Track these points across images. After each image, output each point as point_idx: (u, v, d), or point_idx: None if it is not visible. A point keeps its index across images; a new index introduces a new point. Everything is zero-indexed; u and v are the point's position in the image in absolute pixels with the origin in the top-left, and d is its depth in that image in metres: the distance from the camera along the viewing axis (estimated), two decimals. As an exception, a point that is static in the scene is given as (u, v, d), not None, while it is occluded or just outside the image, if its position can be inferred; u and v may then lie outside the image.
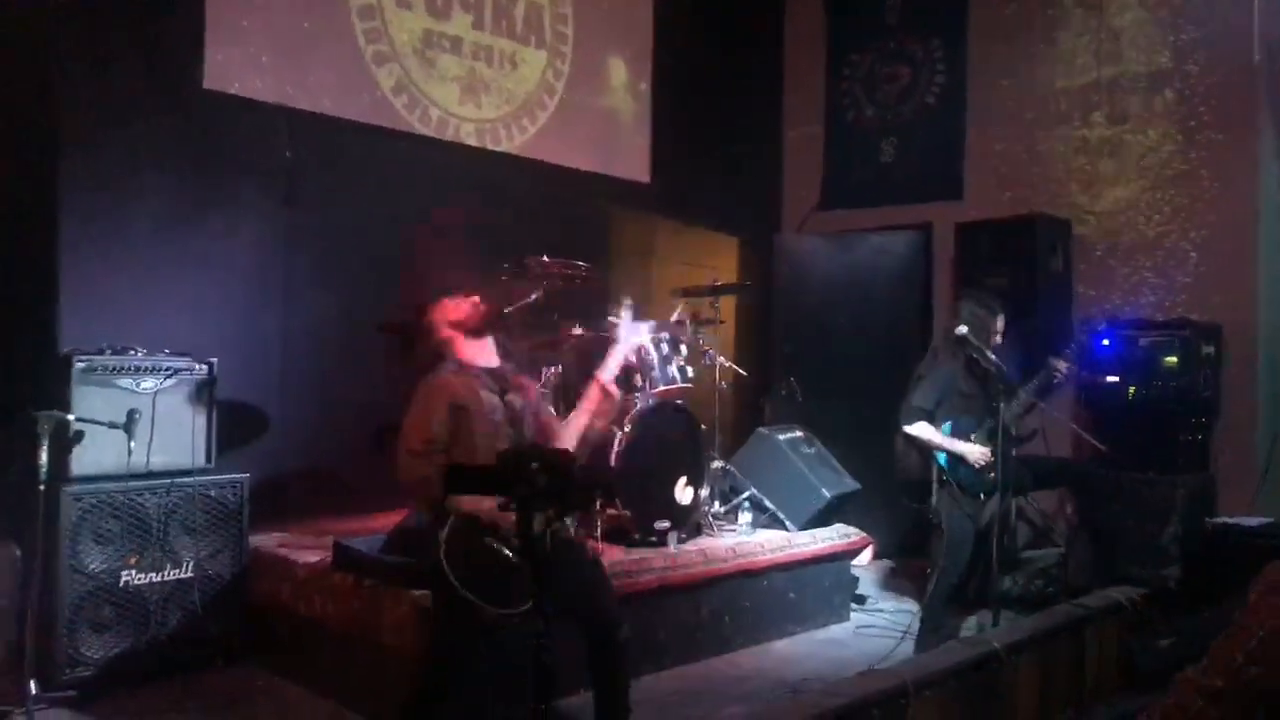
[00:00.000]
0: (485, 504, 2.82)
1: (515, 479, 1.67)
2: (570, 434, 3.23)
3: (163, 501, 3.88)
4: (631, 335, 3.40)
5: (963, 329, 4.38)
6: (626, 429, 4.43)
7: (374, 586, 3.74)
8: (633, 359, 3.56)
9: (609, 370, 3.29)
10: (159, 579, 3.87)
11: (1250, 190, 5.61)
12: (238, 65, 4.82)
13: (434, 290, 3.45)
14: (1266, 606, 1.54)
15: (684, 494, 4.65)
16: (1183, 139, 5.82)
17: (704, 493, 4.84)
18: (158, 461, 3.90)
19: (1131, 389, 5.38)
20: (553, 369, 4.62)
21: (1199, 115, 5.77)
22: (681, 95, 6.93)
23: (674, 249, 7.05)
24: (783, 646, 4.77)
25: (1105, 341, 5.49)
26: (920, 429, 4.45)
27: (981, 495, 4.48)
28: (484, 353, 3.32)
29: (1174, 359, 5.28)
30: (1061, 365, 4.66)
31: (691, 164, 6.94)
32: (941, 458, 4.47)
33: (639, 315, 3.61)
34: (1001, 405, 4.30)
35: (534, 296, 4.32)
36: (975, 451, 4.42)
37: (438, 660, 3.13)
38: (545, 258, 4.47)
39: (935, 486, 4.50)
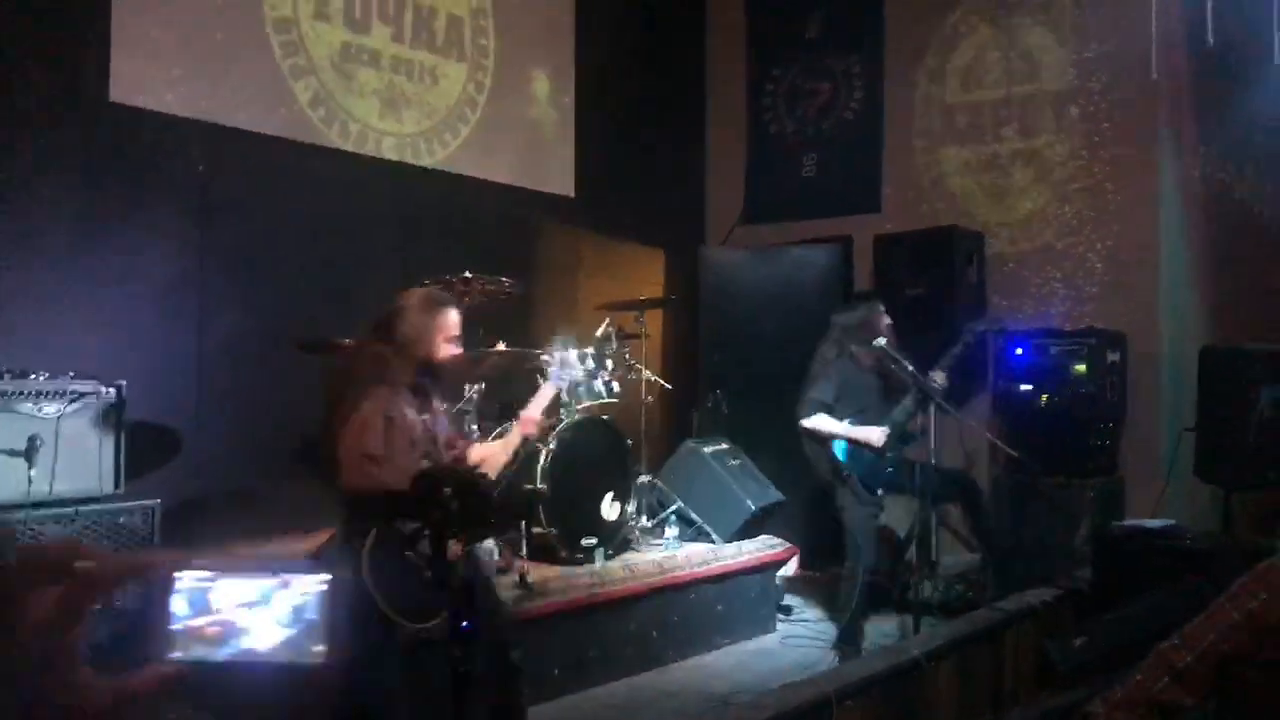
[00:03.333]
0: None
1: (428, 504, 1.66)
2: (486, 467, 3.19)
3: (66, 530, 3.73)
4: (563, 374, 3.37)
5: (881, 341, 4.47)
6: (551, 445, 4.41)
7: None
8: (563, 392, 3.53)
9: (535, 409, 3.27)
10: (65, 611, 3.72)
11: (1151, 202, 5.84)
12: (147, 77, 4.69)
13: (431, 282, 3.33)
14: (1247, 593, 1.69)
15: (611, 509, 4.65)
16: (1087, 154, 6.04)
17: (630, 507, 4.84)
18: (62, 489, 3.75)
19: (1044, 396, 5.55)
20: (475, 387, 4.57)
21: (1102, 130, 5.99)
22: (605, 108, 6.94)
23: (599, 262, 7.06)
24: (711, 659, 4.79)
25: (1019, 350, 5.66)
26: (819, 420, 4.58)
27: (879, 490, 4.60)
28: (409, 371, 3.25)
29: (1083, 367, 5.46)
30: (972, 332, 4.79)
31: (616, 177, 6.96)
32: (841, 451, 4.58)
33: (569, 346, 3.59)
34: (929, 409, 4.44)
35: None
36: (875, 433, 4.54)
37: (357, 680, 3.07)
38: (469, 274, 4.43)
39: (836, 484, 4.61)
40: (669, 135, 7.50)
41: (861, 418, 4.65)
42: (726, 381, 6.56)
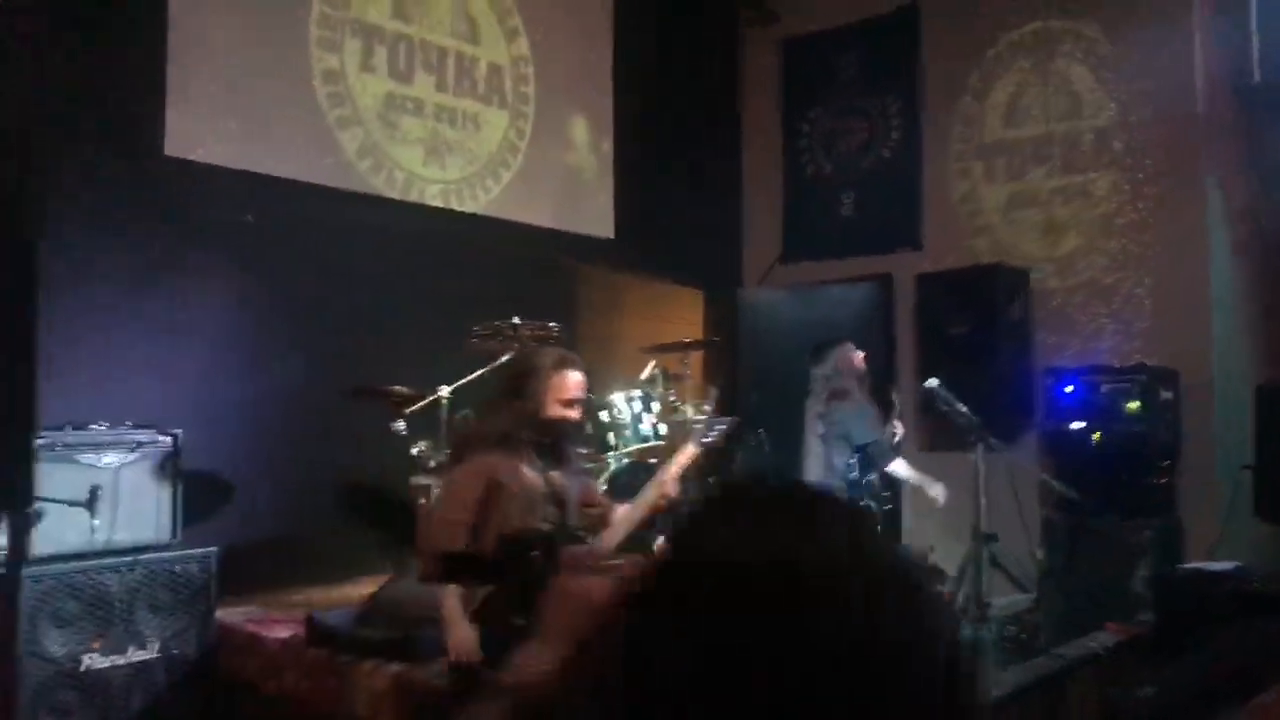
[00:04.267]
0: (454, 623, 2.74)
1: (512, 566, 1.64)
2: (620, 525, 3.07)
3: (126, 580, 3.75)
4: (709, 436, 3.30)
5: (934, 381, 4.43)
6: (603, 488, 4.38)
7: (350, 660, 3.64)
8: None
9: (676, 470, 3.18)
10: (122, 661, 3.72)
11: (1199, 236, 5.78)
12: (199, 131, 4.78)
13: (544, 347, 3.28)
14: None
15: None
16: (1131, 189, 5.99)
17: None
18: (121, 538, 3.79)
19: (1096, 434, 5.46)
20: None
21: (1145, 166, 5.95)
22: (642, 152, 6.99)
23: (639, 304, 7.08)
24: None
25: (1069, 388, 5.59)
26: (899, 465, 4.60)
27: None
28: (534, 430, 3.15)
29: (1135, 404, 5.38)
30: (898, 426, 4.88)
31: (654, 219, 6.99)
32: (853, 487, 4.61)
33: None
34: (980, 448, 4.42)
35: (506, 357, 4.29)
36: (940, 491, 4.55)
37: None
38: (517, 319, 4.45)
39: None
40: (706, 177, 7.53)
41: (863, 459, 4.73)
42: (766, 422, 6.52)
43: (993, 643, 5.73)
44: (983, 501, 6.02)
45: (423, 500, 2.87)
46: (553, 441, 3.15)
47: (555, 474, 3.11)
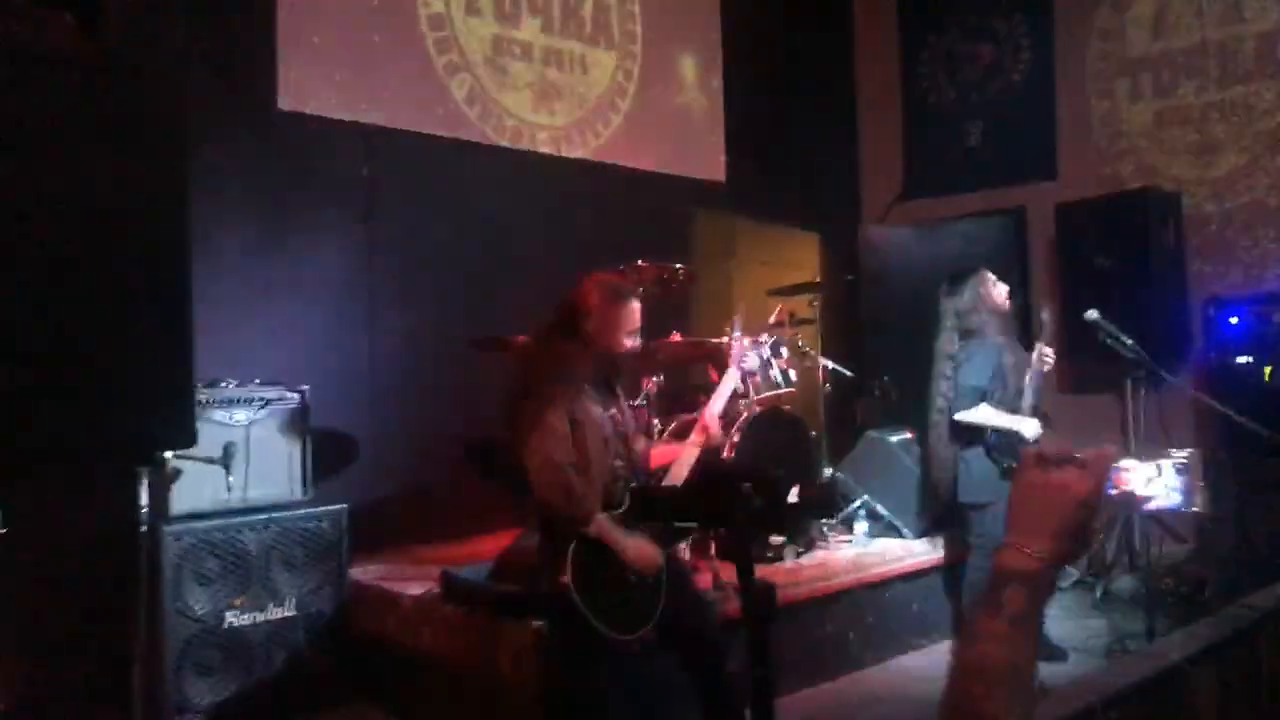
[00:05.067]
0: (623, 540, 2.66)
1: (728, 504, 1.45)
2: (679, 468, 2.94)
3: (262, 537, 3.72)
4: (744, 360, 3.13)
5: (1094, 313, 4.06)
6: (735, 438, 4.19)
7: (487, 617, 3.54)
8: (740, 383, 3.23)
9: (717, 404, 3.04)
10: (262, 618, 3.71)
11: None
12: (311, 83, 4.69)
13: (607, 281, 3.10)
14: None
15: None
16: (1302, 99, 5.44)
17: (817, 501, 4.58)
18: (255, 495, 3.76)
19: (1267, 369, 5.00)
20: (652, 379, 4.39)
21: (1319, 72, 5.38)
22: (752, 89, 6.69)
23: (752, 248, 6.81)
24: (911, 662, 4.48)
25: (1234, 319, 5.13)
26: (980, 412, 4.04)
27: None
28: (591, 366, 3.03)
29: (1315, 335, 4.90)
30: (1049, 352, 4.13)
31: (766, 159, 6.69)
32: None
33: (748, 331, 3.30)
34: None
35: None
36: (1029, 424, 4.01)
37: (563, 694, 2.91)
38: (641, 261, 4.25)
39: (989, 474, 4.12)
40: (819, 112, 7.17)
41: (996, 403, 4.15)
42: (891, 367, 6.21)
43: (1150, 595, 5.38)
44: (1132, 444, 5.65)
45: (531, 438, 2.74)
46: (614, 376, 3.04)
47: (614, 410, 2.98)
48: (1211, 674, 3.25)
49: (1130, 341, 4.01)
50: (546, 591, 2.79)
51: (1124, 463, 3.60)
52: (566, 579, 2.66)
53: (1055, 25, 6.45)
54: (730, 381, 3.20)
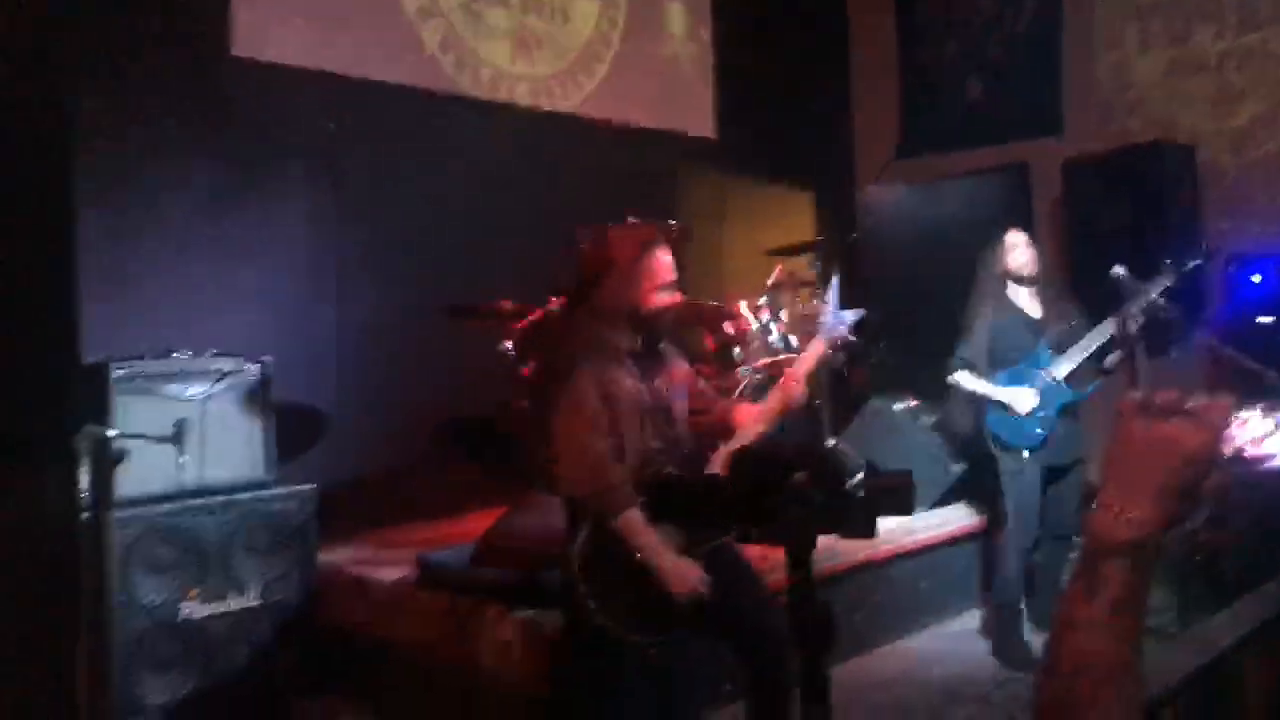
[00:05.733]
0: (656, 549, 2.35)
1: (774, 500, 1.16)
2: (748, 434, 2.59)
3: (221, 521, 3.40)
4: (836, 326, 2.77)
5: (1120, 270, 3.78)
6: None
7: (469, 605, 3.25)
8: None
9: (803, 368, 2.69)
10: (222, 609, 3.40)
11: None
12: (269, 27, 4.31)
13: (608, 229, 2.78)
14: None
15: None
16: (1325, 43, 5.14)
17: (820, 475, 4.29)
18: (212, 476, 3.44)
19: (1290, 330, 4.75)
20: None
21: (1344, 15, 5.09)
22: (744, 41, 6.34)
23: (744, 207, 6.49)
24: (919, 643, 4.24)
25: (1256, 277, 4.87)
26: (961, 377, 3.99)
27: (1026, 452, 3.90)
28: (627, 332, 2.65)
29: (1341, 293, 4.64)
30: (1135, 312, 3.80)
31: (758, 115, 6.36)
32: (988, 410, 3.95)
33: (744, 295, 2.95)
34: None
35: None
36: (1022, 397, 3.86)
37: (567, 694, 2.62)
38: (631, 219, 3.92)
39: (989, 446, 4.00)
40: (812, 66, 6.83)
41: (1011, 371, 3.94)
42: (889, 333, 5.92)
43: (1180, 569, 5.15)
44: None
45: (556, 418, 2.40)
46: (652, 338, 2.67)
47: (656, 381, 2.63)
48: (1258, 657, 3.00)
49: (1160, 299, 3.73)
50: (559, 584, 2.49)
51: (1241, 414, 3.34)
52: (574, 572, 2.36)
53: (1061, -28, 6.12)
54: (818, 346, 2.79)
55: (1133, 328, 3.76)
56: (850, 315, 2.85)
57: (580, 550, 2.34)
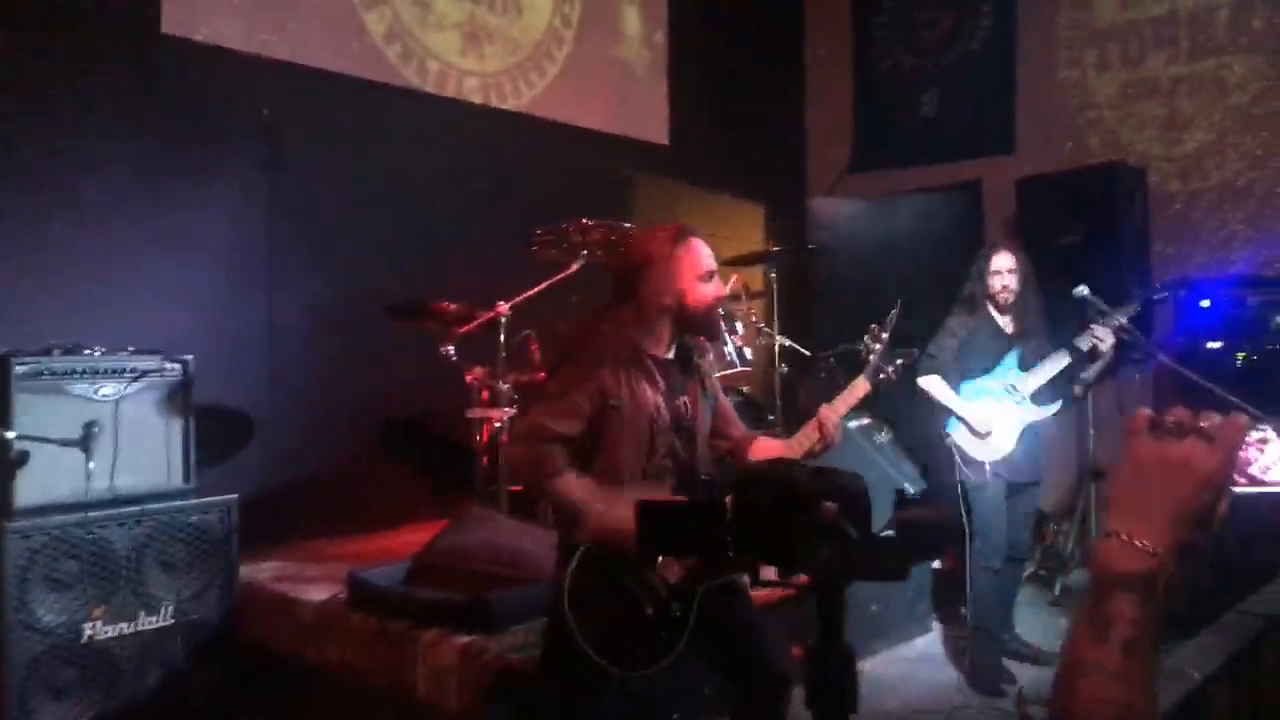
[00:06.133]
0: (617, 515, 2.10)
1: (801, 534, 0.98)
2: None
3: (132, 534, 3.12)
4: (885, 367, 2.58)
5: (1083, 289, 3.71)
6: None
7: (404, 628, 3.02)
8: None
9: (843, 406, 2.51)
10: (131, 630, 3.11)
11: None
12: (203, 6, 4.04)
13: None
14: None
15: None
16: (1275, 74, 5.19)
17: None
18: (124, 484, 3.16)
19: (1240, 355, 4.75)
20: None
21: (1293, 46, 5.14)
22: (698, 47, 6.22)
23: (697, 217, 6.33)
24: (871, 668, 4.10)
25: (1205, 303, 4.86)
26: (929, 382, 3.85)
27: (989, 466, 3.82)
28: (663, 341, 2.42)
29: (1290, 319, 4.65)
30: (1103, 334, 3.74)
31: (712, 123, 6.26)
32: (951, 421, 3.86)
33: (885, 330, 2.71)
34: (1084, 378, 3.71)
35: (576, 266, 3.59)
36: (980, 418, 3.76)
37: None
38: (586, 220, 3.74)
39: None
40: (767, 76, 6.75)
41: (976, 383, 3.87)
42: (841, 344, 5.84)
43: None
44: (1091, 432, 5.38)
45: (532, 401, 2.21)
46: (685, 350, 2.46)
47: (682, 398, 2.41)
48: (1226, 691, 2.92)
49: (1124, 320, 3.67)
50: (546, 606, 2.27)
51: (1258, 434, 3.23)
52: (562, 596, 2.14)
53: (1019, -9, 6.13)
54: (863, 386, 2.62)
55: (1102, 349, 3.69)
56: (900, 357, 2.69)
57: (571, 578, 2.13)
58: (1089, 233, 5.26)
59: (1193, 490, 0.88)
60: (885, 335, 2.59)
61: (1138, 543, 0.87)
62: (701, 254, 2.40)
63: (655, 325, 2.37)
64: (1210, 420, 0.92)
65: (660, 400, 2.34)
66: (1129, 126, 5.69)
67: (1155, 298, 4.38)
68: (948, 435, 3.88)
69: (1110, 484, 0.96)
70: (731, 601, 2.36)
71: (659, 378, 2.36)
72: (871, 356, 2.57)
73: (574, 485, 2.22)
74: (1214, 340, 4.85)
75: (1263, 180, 5.23)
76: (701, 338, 2.53)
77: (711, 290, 2.40)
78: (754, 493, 1.06)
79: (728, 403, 2.61)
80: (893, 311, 2.68)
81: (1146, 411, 0.96)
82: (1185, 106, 5.50)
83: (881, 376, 2.58)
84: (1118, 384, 5.02)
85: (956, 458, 3.84)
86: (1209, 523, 0.90)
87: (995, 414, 3.81)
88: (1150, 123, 5.62)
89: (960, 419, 3.83)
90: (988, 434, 3.79)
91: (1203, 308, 4.93)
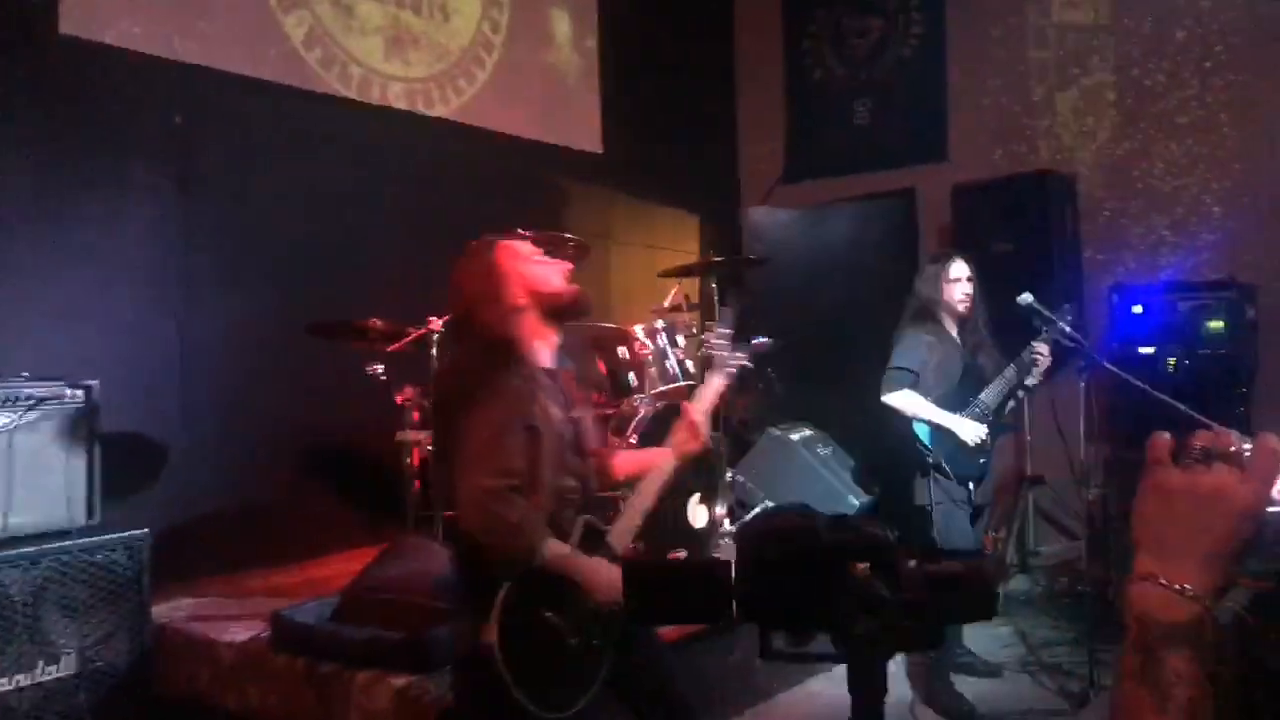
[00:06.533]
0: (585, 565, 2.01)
1: (836, 599, 0.84)
2: (647, 491, 2.27)
3: (28, 576, 2.87)
4: (732, 361, 2.47)
5: (1027, 296, 3.67)
6: (632, 441, 3.60)
7: (335, 669, 2.82)
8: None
9: (703, 408, 2.38)
10: (30, 681, 2.86)
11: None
12: (104, 6, 3.79)
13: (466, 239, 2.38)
14: None
15: (698, 514, 3.84)
16: (1198, 83, 5.27)
17: (720, 510, 4.04)
18: (19, 523, 2.92)
19: (1171, 360, 4.79)
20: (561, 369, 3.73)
21: (1215, 55, 5.22)
22: (630, 54, 6.11)
23: (631, 227, 6.24)
24: (821, 688, 4.00)
25: (1137, 308, 4.91)
26: (904, 397, 3.68)
27: (970, 484, 3.77)
28: (546, 346, 2.27)
29: (1219, 324, 4.71)
30: (1042, 349, 3.70)
31: (644, 132, 6.13)
32: (925, 434, 3.72)
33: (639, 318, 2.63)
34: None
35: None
36: (968, 428, 3.68)
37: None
38: (523, 231, 3.58)
39: (918, 473, 3.79)
40: (699, 85, 6.67)
41: (943, 400, 3.78)
42: (777, 359, 5.76)
43: (1040, 595, 5.13)
44: (1028, 439, 5.40)
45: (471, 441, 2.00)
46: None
47: (576, 411, 2.27)
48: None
49: (1068, 327, 3.64)
50: (463, 649, 2.09)
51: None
52: (491, 640, 1.96)
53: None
54: (718, 383, 2.49)
55: (1042, 362, 3.65)
56: (752, 342, 2.60)
57: (499, 613, 1.95)
58: (1022, 241, 5.28)
59: (1229, 524, 0.81)
60: (727, 330, 2.51)
61: (1178, 586, 0.79)
62: (517, 246, 2.31)
63: (526, 333, 2.22)
64: (1239, 444, 0.84)
65: (560, 413, 2.19)
66: (1058, 134, 5.74)
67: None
68: (929, 453, 3.72)
69: (1134, 521, 0.84)
70: (639, 633, 2.24)
71: (553, 389, 2.21)
72: (714, 353, 2.49)
73: (559, 550, 2.07)
74: (1146, 345, 4.90)
75: (1188, 188, 5.30)
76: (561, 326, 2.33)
77: (551, 270, 2.29)
78: (758, 546, 0.91)
79: (588, 409, 2.49)
80: (725, 309, 2.63)
81: (1166, 436, 0.87)
82: (1113, 116, 5.56)
83: (732, 365, 2.49)
84: (1052, 388, 5.03)
85: (930, 480, 3.71)
86: (1242, 559, 0.83)
87: (979, 429, 3.70)
88: (1079, 131, 5.67)
89: (952, 432, 3.68)
90: (980, 444, 3.68)
91: (1135, 313, 4.98)
